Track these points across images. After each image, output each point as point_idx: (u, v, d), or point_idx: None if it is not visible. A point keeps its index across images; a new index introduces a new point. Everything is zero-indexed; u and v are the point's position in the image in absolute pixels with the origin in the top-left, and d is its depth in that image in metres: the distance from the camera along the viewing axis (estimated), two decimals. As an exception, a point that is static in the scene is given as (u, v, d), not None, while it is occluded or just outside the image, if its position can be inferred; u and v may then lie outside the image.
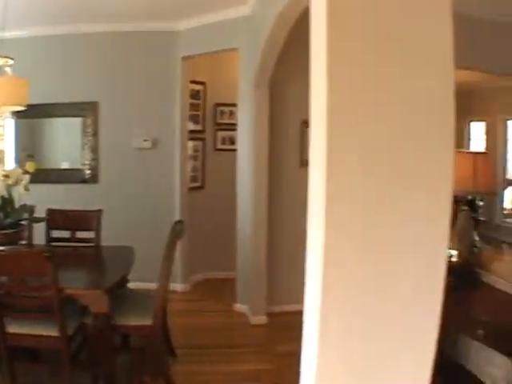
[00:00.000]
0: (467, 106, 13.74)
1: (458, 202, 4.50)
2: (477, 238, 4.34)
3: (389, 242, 1.79)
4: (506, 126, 13.13)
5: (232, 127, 7.58)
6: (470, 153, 4.34)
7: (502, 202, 13.38)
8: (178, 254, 7.53)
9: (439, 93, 1.80)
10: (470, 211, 11.48)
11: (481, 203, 12.61)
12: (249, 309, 6.84)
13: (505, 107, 12.60)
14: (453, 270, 4.26)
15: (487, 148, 13.47)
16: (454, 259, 4.20)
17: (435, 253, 1.85)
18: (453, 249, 4.20)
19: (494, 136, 13.23)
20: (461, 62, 6.42)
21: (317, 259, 1.78)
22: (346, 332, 1.82)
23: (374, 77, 1.72)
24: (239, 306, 7.09)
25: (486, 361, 4.24)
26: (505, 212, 13.57)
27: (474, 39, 7.50)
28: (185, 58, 7.67)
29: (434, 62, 1.80)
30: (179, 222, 5.53)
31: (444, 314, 4.09)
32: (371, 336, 1.84)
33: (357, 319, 1.82)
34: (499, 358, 3.74)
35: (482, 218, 12.63)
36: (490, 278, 4.31)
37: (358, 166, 1.72)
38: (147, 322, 4.81)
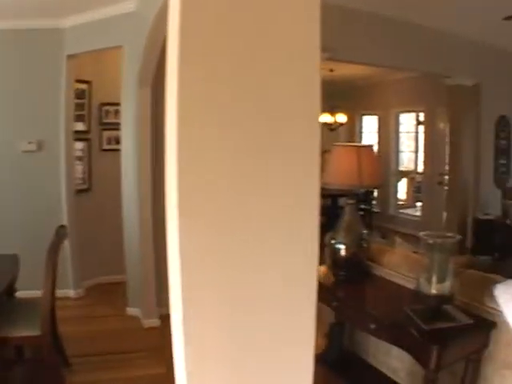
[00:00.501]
0: (360, 99, 13.94)
1: (345, 195, 4.44)
2: (365, 231, 4.30)
3: (255, 245, 1.71)
4: (398, 119, 13.37)
5: (118, 127, 7.31)
6: (354, 146, 4.27)
7: (396, 193, 13.65)
8: (68, 259, 7.32)
9: (304, 89, 1.73)
10: (365, 203, 11.68)
11: (375, 195, 12.84)
12: (141, 312, 6.63)
13: (397, 101, 12.84)
14: (342, 264, 4.23)
15: (380, 141, 13.73)
16: (342, 253, 4.17)
17: (306, 253, 1.79)
18: (341, 243, 4.17)
19: (386, 129, 13.47)
20: (350, 57, 6.49)
21: (176, 273, 1.69)
22: (215, 344, 1.73)
23: (230, 74, 1.63)
24: (131, 310, 6.82)
25: (385, 353, 4.24)
26: (399, 203, 13.85)
27: (364, 33, 7.56)
28: (70, 57, 7.35)
29: (299, 58, 1.72)
30: (62, 226, 5.33)
31: (336, 308, 4.08)
32: (243, 344, 1.76)
33: (226, 328, 1.74)
34: (397, 351, 3.73)
35: (376, 210, 12.89)
36: (381, 271, 4.30)
37: (213, 174, 1.63)
38: (36, 332, 4.58)
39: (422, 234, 3.29)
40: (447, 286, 3.19)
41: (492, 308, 3.30)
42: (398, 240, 4.90)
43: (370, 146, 4.43)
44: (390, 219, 13.16)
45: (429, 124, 12.17)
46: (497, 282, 3.43)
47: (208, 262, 1.67)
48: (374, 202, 13.24)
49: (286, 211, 1.73)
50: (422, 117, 12.70)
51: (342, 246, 4.15)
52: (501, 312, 3.19)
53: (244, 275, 1.71)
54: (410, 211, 13.73)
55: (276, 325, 1.77)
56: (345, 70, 11.16)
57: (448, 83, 9.51)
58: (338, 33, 7.09)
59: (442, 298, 3.20)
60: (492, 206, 9.96)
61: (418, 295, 3.31)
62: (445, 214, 10.31)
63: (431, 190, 11.96)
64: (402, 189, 14.26)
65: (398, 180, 13.84)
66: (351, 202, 4.22)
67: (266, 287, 1.74)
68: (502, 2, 7.65)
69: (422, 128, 12.75)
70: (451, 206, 9.99)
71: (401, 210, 13.68)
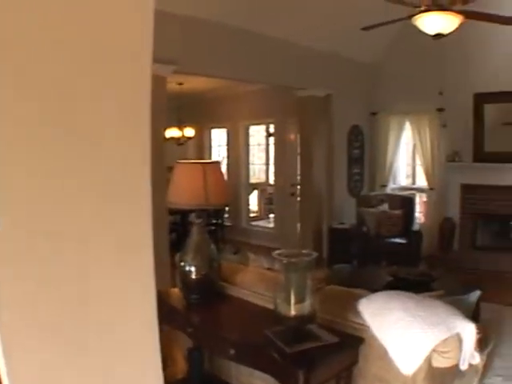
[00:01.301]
0: (209, 112, 13.76)
1: (195, 211, 4.16)
2: (215, 250, 4.04)
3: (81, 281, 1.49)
4: (247, 132, 13.29)
5: None
6: (199, 163, 3.96)
7: (248, 205, 13.56)
8: None
9: (132, 100, 1.51)
10: (217, 218, 11.47)
11: (226, 209, 12.67)
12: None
13: (246, 113, 12.74)
14: (194, 287, 3.94)
15: (230, 154, 13.59)
16: (193, 275, 3.90)
17: (140, 276, 1.59)
18: (191, 264, 3.90)
19: (236, 142, 13.34)
20: (198, 70, 6.24)
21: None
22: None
23: (41, 94, 1.39)
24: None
25: (248, 374, 4.02)
26: (252, 215, 13.78)
27: (212, 45, 7.37)
28: None
29: (128, 68, 1.50)
30: None
31: (192, 334, 3.83)
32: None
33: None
34: (258, 372, 3.52)
35: (228, 224, 12.75)
36: (236, 291, 4.05)
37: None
38: None
39: (275, 253, 3.07)
40: (307, 306, 2.98)
41: (358, 323, 3.15)
42: (252, 256, 4.66)
43: (217, 163, 4.15)
44: (243, 232, 13.05)
45: (279, 135, 12.17)
46: (359, 296, 3.31)
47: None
48: (226, 216, 13.09)
49: (114, 246, 1.51)
50: (272, 128, 12.65)
51: (192, 268, 3.85)
52: (368, 327, 3.05)
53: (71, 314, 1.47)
54: (262, 223, 13.73)
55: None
56: (194, 83, 11.01)
57: (299, 94, 9.50)
58: (185, 45, 6.84)
59: (303, 319, 2.98)
60: (347, 214, 10.05)
61: (277, 317, 3.10)
62: (299, 225, 10.28)
63: (284, 201, 11.97)
64: (254, 201, 14.20)
65: (250, 192, 13.78)
66: (198, 221, 3.95)
67: (98, 320, 1.52)
68: (358, 13, 7.73)
69: (272, 140, 12.69)
70: (305, 217, 9.98)
71: (253, 223, 13.64)
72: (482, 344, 3.11)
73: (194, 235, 3.92)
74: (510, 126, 9.53)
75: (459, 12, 5.46)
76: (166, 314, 3.97)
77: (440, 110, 10.16)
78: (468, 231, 10.20)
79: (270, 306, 3.27)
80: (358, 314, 3.15)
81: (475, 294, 3.93)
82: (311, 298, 2.99)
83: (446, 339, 2.81)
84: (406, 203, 9.95)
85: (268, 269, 4.66)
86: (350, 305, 3.23)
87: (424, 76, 10.21)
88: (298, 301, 2.95)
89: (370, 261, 8.70)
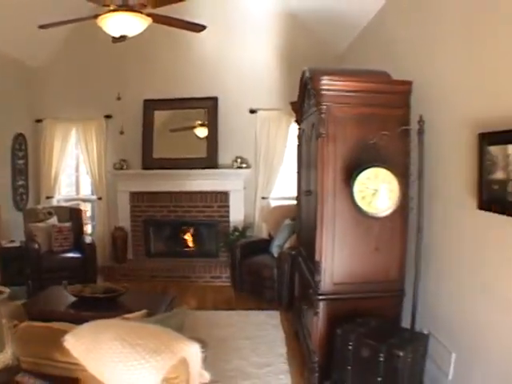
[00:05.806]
0: None
1: None
2: None
3: None
4: None
5: None
6: None
7: None
8: None
9: None
10: None
11: None
12: None
13: None
14: None
15: None
16: None
17: None
18: None
19: None
20: None
21: None
22: None
23: None
24: None
25: None
26: None
27: None
28: None
29: None
30: None
31: None
32: None
33: None
34: None
35: None
36: None
37: None
38: None
39: None
40: (10, 354, 2.44)
41: (71, 363, 2.68)
42: None
43: None
44: None
45: None
46: (62, 331, 2.80)
47: None
48: None
49: None
50: None
51: None
52: (83, 365, 2.60)
53: None
54: None
55: None
56: None
57: None
58: None
59: (9, 371, 2.43)
60: (17, 231, 9.27)
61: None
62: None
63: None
64: None
65: None
66: None
67: None
68: (30, 11, 7.45)
69: None
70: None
71: None
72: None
73: None
74: (176, 132, 10.05)
75: (148, 15, 5.54)
76: None
77: (108, 116, 10.17)
78: (140, 239, 10.42)
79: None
80: (66, 352, 2.66)
81: (182, 310, 3.67)
82: (12, 343, 2.46)
83: (174, 365, 2.54)
84: (74, 215, 9.69)
85: None
86: (56, 343, 2.73)
87: (94, 82, 10.09)
88: (-5, 349, 2.40)
89: (46, 280, 8.17)
